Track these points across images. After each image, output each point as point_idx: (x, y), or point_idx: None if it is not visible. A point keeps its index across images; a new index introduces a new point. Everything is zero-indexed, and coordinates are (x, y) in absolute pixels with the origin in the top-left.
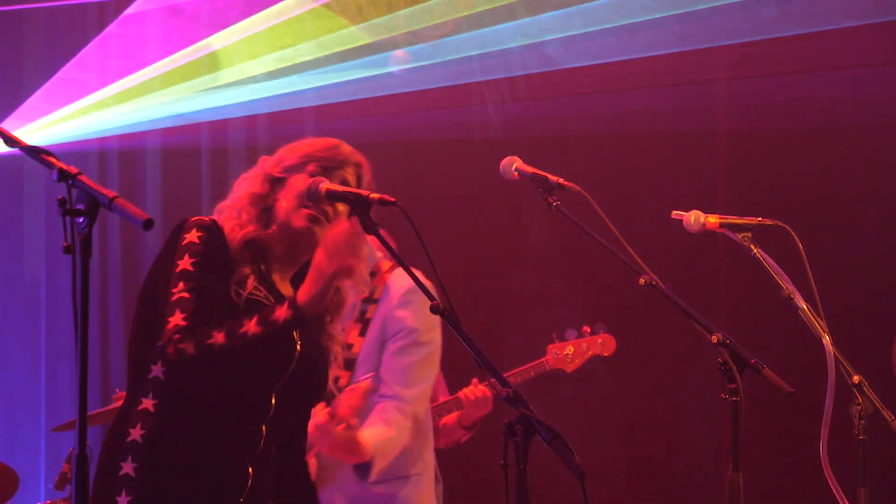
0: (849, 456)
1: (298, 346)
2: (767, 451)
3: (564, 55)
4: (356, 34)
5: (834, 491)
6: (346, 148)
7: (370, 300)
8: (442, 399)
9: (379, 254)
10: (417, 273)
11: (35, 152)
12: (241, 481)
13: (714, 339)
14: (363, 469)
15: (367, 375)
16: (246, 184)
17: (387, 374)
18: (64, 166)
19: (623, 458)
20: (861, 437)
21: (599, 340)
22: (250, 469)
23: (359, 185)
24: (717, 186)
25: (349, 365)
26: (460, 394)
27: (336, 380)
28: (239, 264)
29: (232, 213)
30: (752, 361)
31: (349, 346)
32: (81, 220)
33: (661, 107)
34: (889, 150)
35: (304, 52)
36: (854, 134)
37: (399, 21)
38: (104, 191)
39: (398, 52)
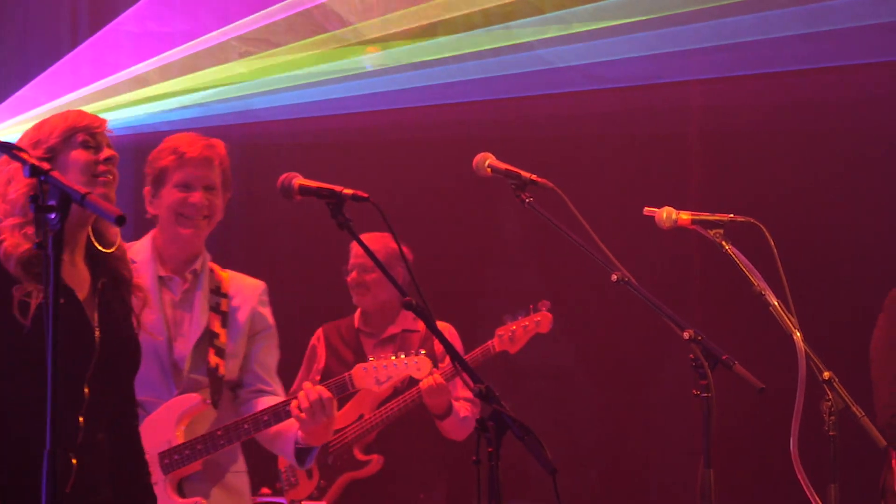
0: (819, 452)
1: (97, 333)
2: (739, 447)
3: (541, 57)
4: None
5: (804, 487)
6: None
7: (219, 293)
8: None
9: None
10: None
11: (7, 148)
12: (66, 473)
13: (686, 335)
14: (305, 455)
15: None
16: (11, 188)
17: (263, 370)
18: (36, 162)
19: (595, 454)
20: (831, 433)
21: (537, 319)
22: (74, 460)
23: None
24: (690, 184)
25: (220, 353)
26: (422, 384)
27: (216, 368)
28: (21, 282)
29: (10, 229)
30: (724, 357)
31: (216, 336)
32: (53, 216)
33: (635, 107)
34: (859, 150)
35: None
36: (825, 135)
37: (376, 26)
38: (76, 186)
39: (371, 49)
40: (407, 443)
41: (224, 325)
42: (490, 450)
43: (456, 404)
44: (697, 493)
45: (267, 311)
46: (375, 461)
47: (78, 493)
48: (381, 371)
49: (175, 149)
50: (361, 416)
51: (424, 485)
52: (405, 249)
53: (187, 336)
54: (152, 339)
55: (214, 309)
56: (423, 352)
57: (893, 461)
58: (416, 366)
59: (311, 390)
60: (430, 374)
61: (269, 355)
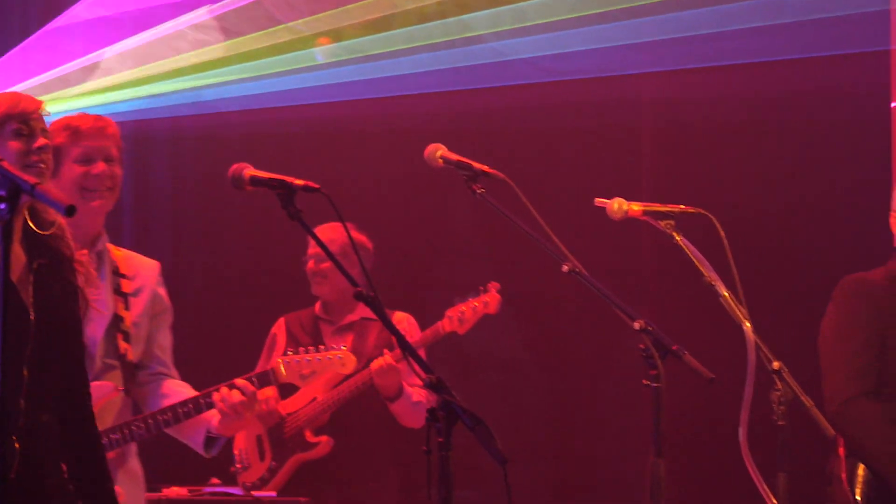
0: (768, 441)
1: (32, 315)
2: (689, 437)
3: (493, 49)
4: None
5: (753, 476)
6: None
7: (118, 274)
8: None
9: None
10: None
11: None
12: (9, 457)
13: (636, 325)
14: (213, 443)
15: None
16: None
17: (162, 352)
18: None
19: (546, 444)
20: (780, 423)
21: (486, 300)
22: (17, 444)
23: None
24: (641, 176)
25: (126, 337)
26: (372, 364)
27: (125, 353)
28: None
29: None
30: (674, 348)
31: (122, 319)
32: (3, 206)
33: (587, 99)
34: (809, 142)
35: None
36: (776, 127)
37: (329, 17)
38: (26, 177)
39: (323, 41)
40: (359, 430)
41: (127, 307)
42: (441, 440)
43: (408, 388)
44: (647, 482)
45: (164, 292)
46: (325, 442)
47: (25, 478)
48: (304, 365)
49: (67, 125)
50: (314, 399)
51: (376, 473)
52: (364, 239)
53: (96, 320)
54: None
55: (117, 291)
56: (345, 347)
57: (840, 450)
58: (340, 361)
59: (239, 384)
60: (381, 356)
61: (167, 338)
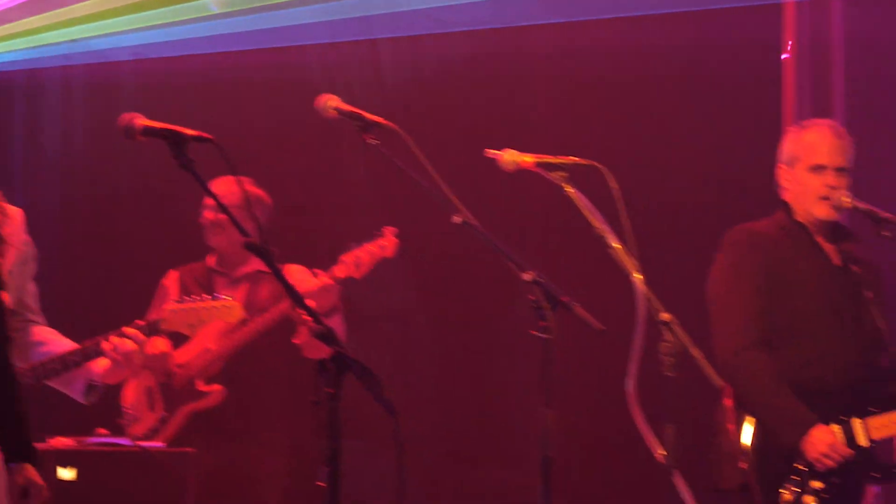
0: (657, 393)
1: None
2: (578, 388)
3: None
4: None
5: (641, 427)
6: None
7: None
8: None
9: None
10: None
11: None
12: None
13: (527, 277)
14: (93, 392)
15: None
16: None
17: (31, 299)
18: None
19: (436, 396)
20: (669, 375)
21: (382, 243)
22: None
23: None
24: (533, 128)
25: (2, 285)
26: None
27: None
28: None
29: None
30: (564, 299)
31: None
32: None
33: (479, 51)
34: (702, 94)
35: None
36: (668, 80)
37: None
38: None
39: None
40: (251, 381)
41: (1, 255)
42: (330, 391)
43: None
44: (538, 433)
45: (30, 239)
46: (217, 392)
47: None
48: (191, 314)
49: None
50: (206, 350)
51: (267, 424)
52: (262, 194)
53: None
54: None
55: None
56: (230, 297)
57: (727, 400)
58: (227, 310)
59: (128, 332)
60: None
61: (33, 284)
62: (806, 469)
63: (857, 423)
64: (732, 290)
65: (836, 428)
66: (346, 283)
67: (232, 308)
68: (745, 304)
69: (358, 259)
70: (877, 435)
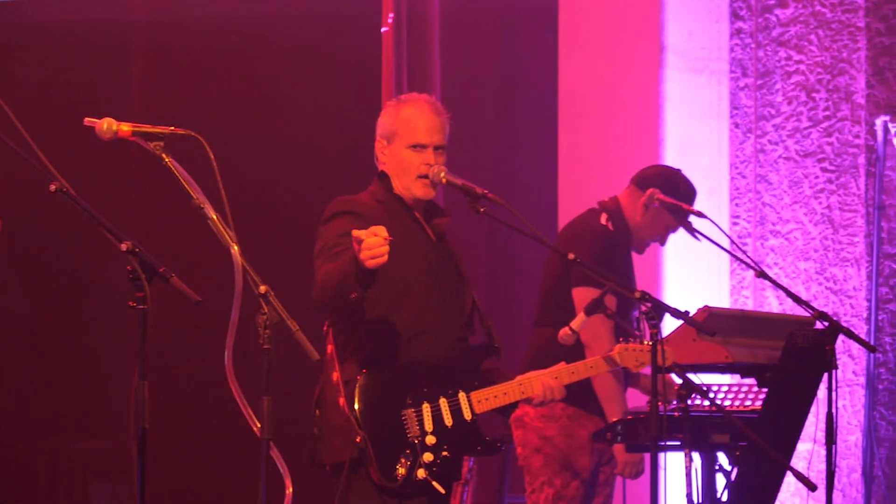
0: (254, 365)
1: None
2: (175, 360)
3: None
4: None
5: (237, 398)
6: None
7: None
8: None
9: None
10: None
11: None
12: None
13: (123, 247)
14: None
15: None
16: None
17: None
18: None
19: (32, 366)
20: (266, 347)
21: None
22: None
23: None
24: (132, 97)
25: None
26: None
27: None
28: None
29: None
30: (161, 270)
31: None
32: None
33: (76, 19)
34: (304, 66)
35: None
36: (269, 50)
37: None
38: None
39: None
40: None
41: None
42: None
43: None
44: (131, 405)
45: None
46: None
47: None
48: None
49: None
50: None
51: None
52: None
53: None
54: None
55: None
56: None
57: (334, 374)
58: None
59: None
60: None
61: None
62: (417, 443)
63: (462, 397)
64: (331, 257)
65: (443, 401)
66: None
67: None
68: (337, 254)
69: None
70: (480, 409)
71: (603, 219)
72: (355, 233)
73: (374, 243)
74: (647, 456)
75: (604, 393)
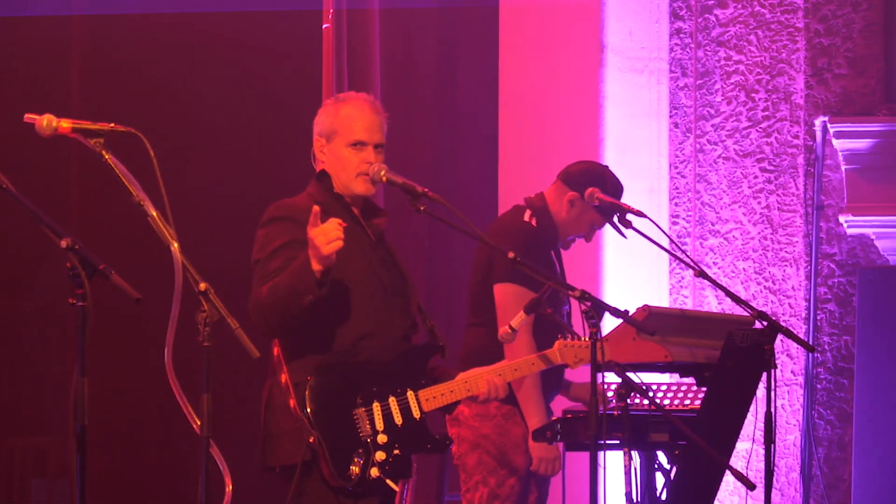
0: (194, 362)
1: None
2: (116, 357)
3: None
4: None
5: (177, 396)
6: None
7: None
8: None
9: None
10: None
11: None
12: None
13: (63, 243)
14: None
15: None
16: None
17: None
18: None
19: None
20: (206, 344)
21: None
22: None
23: None
24: (72, 92)
25: None
26: None
27: None
28: None
29: None
30: (101, 267)
31: None
32: None
33: (13, 14)
34: (246, 62)
35: None
36: (210, 46)
37: None
38: None
39: None
40: None
41: None
42: None
43: None
44: (71, 401)
45: None
46: None
47: None
48: None
49: None
50: None
51: None
52: None
53: None
54: None
55: None
56: None
57: (283, 376)
58: None
59: None
60: None
61: None
62: (369, 442)
63: (411, 396)
64: (270, 257)
65: (392, 400)
66: None
67: None
68: (275, 263)
69: None
70: (428, 407)
71: (526, 216)
72: (311, 232)
73: (328, 228)
74: (572, 454)
75: (527, 399)
